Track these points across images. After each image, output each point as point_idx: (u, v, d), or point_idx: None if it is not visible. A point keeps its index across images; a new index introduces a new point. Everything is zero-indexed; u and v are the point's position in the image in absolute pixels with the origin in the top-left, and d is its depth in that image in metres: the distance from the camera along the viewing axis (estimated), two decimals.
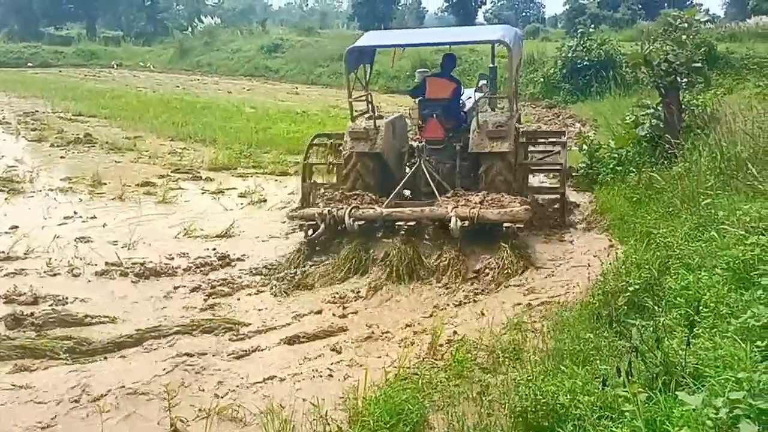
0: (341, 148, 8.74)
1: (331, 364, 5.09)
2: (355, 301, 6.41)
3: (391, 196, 7.90)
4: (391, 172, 8.55)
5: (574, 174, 9.96)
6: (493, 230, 7.25)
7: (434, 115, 8.58)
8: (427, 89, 8.90)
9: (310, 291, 6.75)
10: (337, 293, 6.57)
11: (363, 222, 7.36)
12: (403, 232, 7.12)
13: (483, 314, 5.81)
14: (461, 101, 9.10)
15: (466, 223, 7.04)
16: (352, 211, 7.40)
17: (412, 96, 9.50)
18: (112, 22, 59.41)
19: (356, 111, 8.90)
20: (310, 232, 7.57)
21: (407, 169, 8.47)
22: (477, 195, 7.71)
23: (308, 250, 7.56)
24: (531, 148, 9.57)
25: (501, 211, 7.24)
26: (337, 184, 8.80)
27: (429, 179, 7.98)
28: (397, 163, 8.70)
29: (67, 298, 6.28)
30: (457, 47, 15.91)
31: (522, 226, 7.25)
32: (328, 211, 7.50)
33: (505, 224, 7.08)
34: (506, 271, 6.81)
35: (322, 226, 7.48)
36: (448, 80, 8.91)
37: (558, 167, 8.77)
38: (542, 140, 10.16)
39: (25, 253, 7.41)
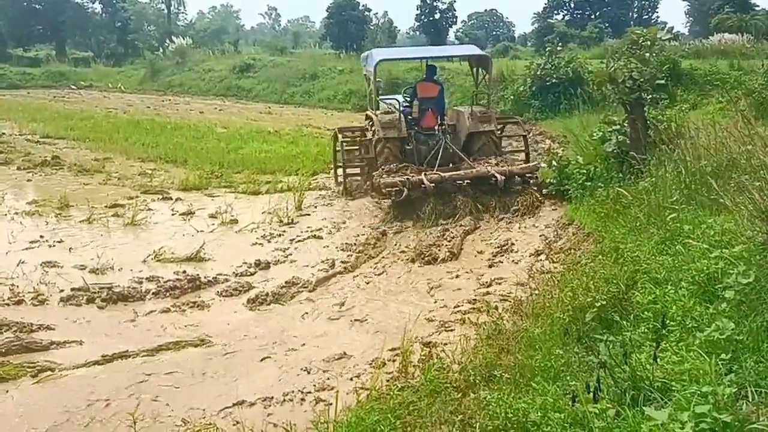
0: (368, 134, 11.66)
1: (303, 385, 5.04)
2: (328, 320, 6.37)
3: (436, 166, 10.58)
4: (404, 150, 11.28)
5: (544, 190, 10.30)
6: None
7: (429, 110, 11.55)
8: (419, 91, 11.82)
9: (282, 306, 6.72)
10: (307, 312, 6.55)
11: (434, 184, 9.87)
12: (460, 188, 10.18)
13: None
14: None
15: (503, 177, 10.00)
16: (427, 175, 9.97)
17: (409, 98, 12.19)
18: (81, 43, 58.92)
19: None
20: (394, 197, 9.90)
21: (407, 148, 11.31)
22: (492, 159, 10.91)
23: (397, 211, 9.94)
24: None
25: (523, 166, 10.78)
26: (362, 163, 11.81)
27: (453, 151, 11.01)
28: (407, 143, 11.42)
29: (32, 324, 6.12)
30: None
31: (538, 176, 10.68)
32: (407, 178, 9.96)
33: (527, 174, 10.51)
34: (535, 204, 10.03)
35: (405, 190, 9.79)
36: (434, 83, 12.13)
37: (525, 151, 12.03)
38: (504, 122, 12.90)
39: None
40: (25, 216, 10.12)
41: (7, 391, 5.01)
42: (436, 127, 11.51)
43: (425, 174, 10.08)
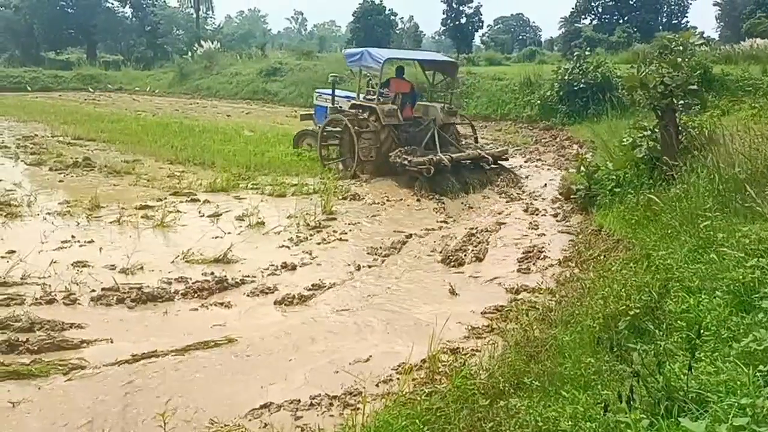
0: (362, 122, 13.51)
1: (330, 388, 5.04)
2: (355, 323, 6.38)
3: (438, 150, 12.93)
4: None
5: (572, 196, 10.27)
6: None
7: (407, 103, 14.15)
8: (393, 87, 14.16)
9: (309, 307, 6.79)
10: (334, 314, 6.56)
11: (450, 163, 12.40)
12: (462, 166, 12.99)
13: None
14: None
15: (491, 158, 13.38)
16: (445, 156, 12.49)
17: (381, 92, 13.84)
18: (112, 46, 60.00)
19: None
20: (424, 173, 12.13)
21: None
22: (472, 144, 14.45)
23: (428, 184, 12.06)
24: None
25: (499, 150, 14.44)
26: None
27: (432, 137, 13.33)
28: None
29: (63, 323, 6.21)
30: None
31: (507, 157, 14.23)
32: (431, 158, 12.27)
33: (503, 156, 13.95)
34: (514, 182, 13.10)
35: (432, 168, 12.00)
36: (406, 81, 14.75)
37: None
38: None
39: (21, 278, 7.34)
40: (57, 216, 10.27)
41: (39, 388, 5.09)
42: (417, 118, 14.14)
43: (445, 155, 12.55)
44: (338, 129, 14.05)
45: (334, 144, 14.32)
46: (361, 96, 14.25)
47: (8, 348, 5.66)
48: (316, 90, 17.45)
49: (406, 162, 12.40)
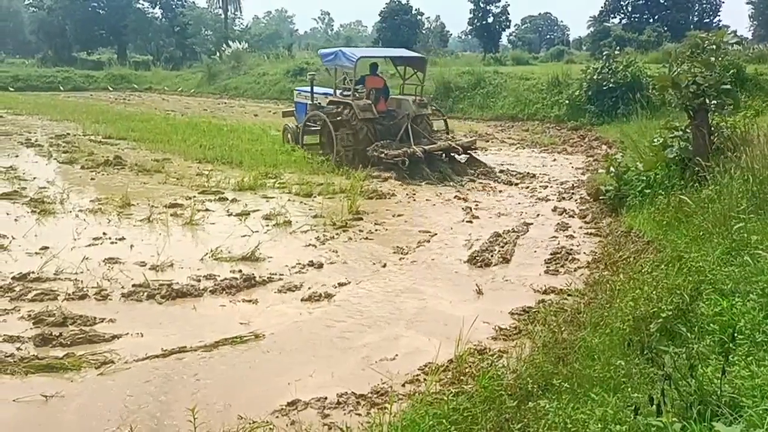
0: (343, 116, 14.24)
1: (357, 386, 5.05)
2: (381, 321, 6.38)
3: (411, 142, 13.87)
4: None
5: (601, 197, 10.17)
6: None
7: (381, 97, 14.93)
8: (368, 83, 14.99)
9: (335, 305, 6.84)
10: (360, 312, 6.57)
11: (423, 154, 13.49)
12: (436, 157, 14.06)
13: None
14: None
15: (462, 148, 14.34)
16: (417, 148, 13.51)
17: (356, 86, 14.72)
18: (142, 47, 60.92)
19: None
20: (400, 164, 13.31)
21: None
22: (443, 136, 15.29)
23: (407, 172, 13.25)
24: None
25: (468, 140, 15.14)
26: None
27: (405, 129, 14.20)
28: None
29: (95, 318, 6.33)
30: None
31: (476, 147, 15.12)
32: (405, 150, 13.39)
33: (472, 146, 14.78)
34: (486, 170, 14.28)
35: (406, 159, 13.17)
36: (379, 77, 15.54)
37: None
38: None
39: (54, 274, 7.49)
40: (89, 213, 10.45)
41: (71, 381, 5.19)
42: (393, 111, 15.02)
43: (418, 147, 13.59)
44: (318, 124, 15.15)
45: (315, 141, 15.46)
46: (338, 92, 15.07)
47: (42, 342, 5.80)
48: (296, 88, 18.74)
49: (382, 155, 13.51)
